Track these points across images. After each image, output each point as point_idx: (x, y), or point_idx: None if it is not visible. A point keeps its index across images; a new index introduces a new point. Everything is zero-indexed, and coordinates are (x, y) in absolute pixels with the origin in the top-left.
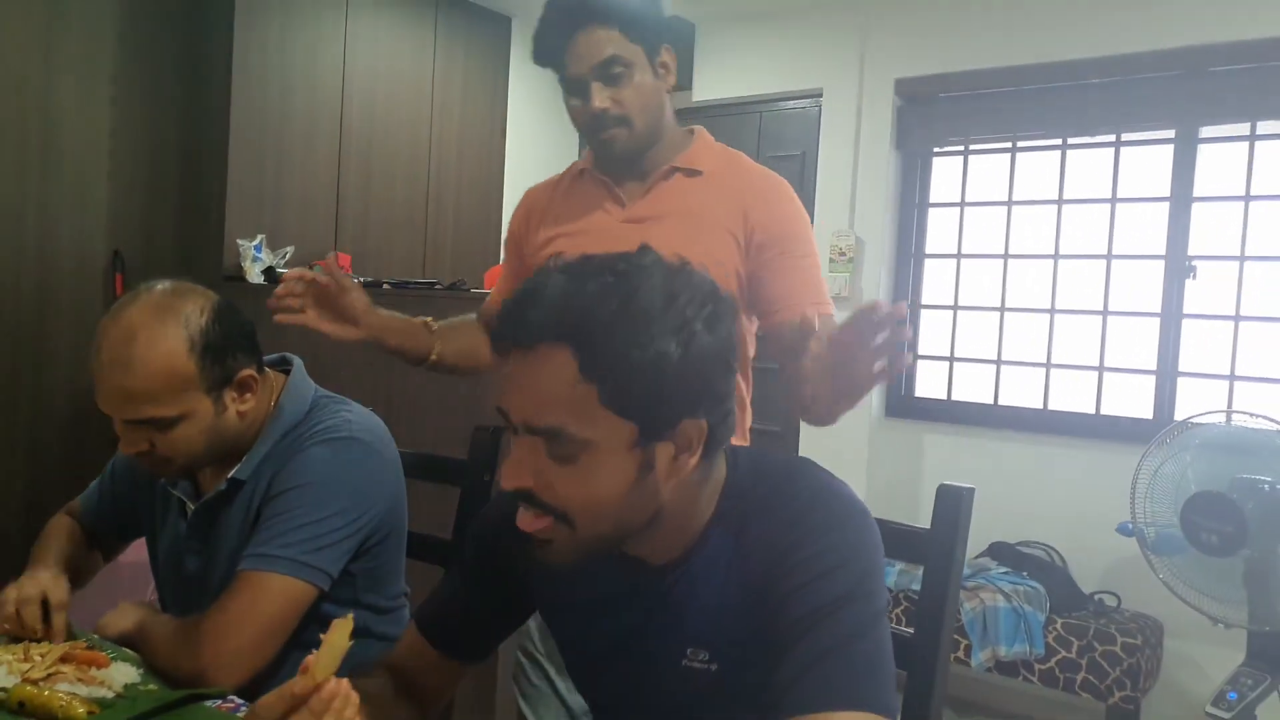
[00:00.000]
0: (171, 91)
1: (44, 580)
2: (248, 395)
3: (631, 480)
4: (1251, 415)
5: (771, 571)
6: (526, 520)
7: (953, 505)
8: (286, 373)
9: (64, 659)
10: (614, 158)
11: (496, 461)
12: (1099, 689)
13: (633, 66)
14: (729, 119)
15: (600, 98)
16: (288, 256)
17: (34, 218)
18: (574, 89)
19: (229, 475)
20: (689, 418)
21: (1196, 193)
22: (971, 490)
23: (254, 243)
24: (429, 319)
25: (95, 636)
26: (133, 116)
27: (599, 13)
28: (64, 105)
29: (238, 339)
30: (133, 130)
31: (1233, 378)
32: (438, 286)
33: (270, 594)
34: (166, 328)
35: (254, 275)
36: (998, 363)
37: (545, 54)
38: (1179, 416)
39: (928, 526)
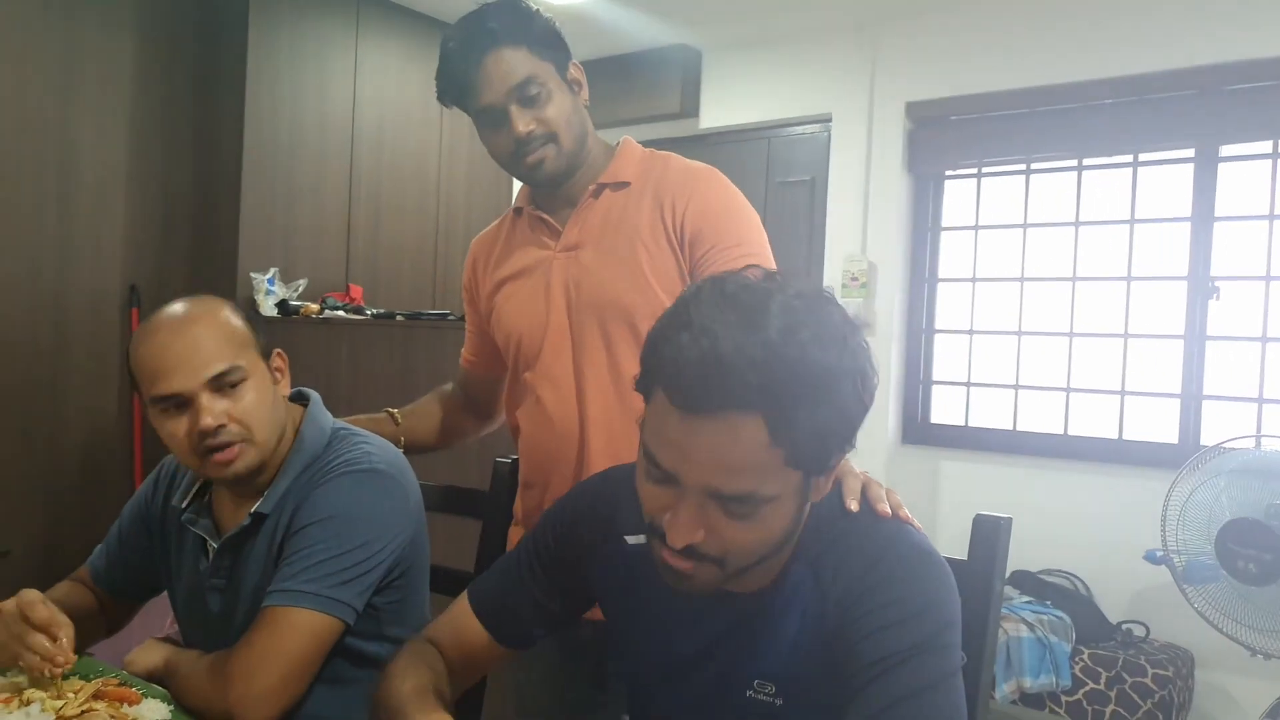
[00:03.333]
0: (185, 129)
1: (19, 605)
2: (280, 378)
3: (792, 519)
4: None
5: (848, 611)
6: (674, 560)
7: (990, 536)
8: (304, 406)
9: (96, 695)
10: (545, 182)
11: (514, 494)
12: None
13: (548, 84)
14: (737, 146)
15: (523, 120)
16: (300, 289)
17: (51, 256)
18: (491, 119)
19: (252, 510)
20: (840, 454)
21: (1219, 212)
22: (1009, 520)
23: (267, 276)
24: (392, 410)
25: (123, 673)
26: (148, 154)
27: (504, 35)
28: (81, 145)
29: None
30: (148, 167)
31: (1261, 400)
32: (450, 318)
33: (296, 630)
34: (214, 303)
35: (267, 308)
36: (1016, 387)
37: (453, 89)
38: (1205, 440)
39: (960, 557)
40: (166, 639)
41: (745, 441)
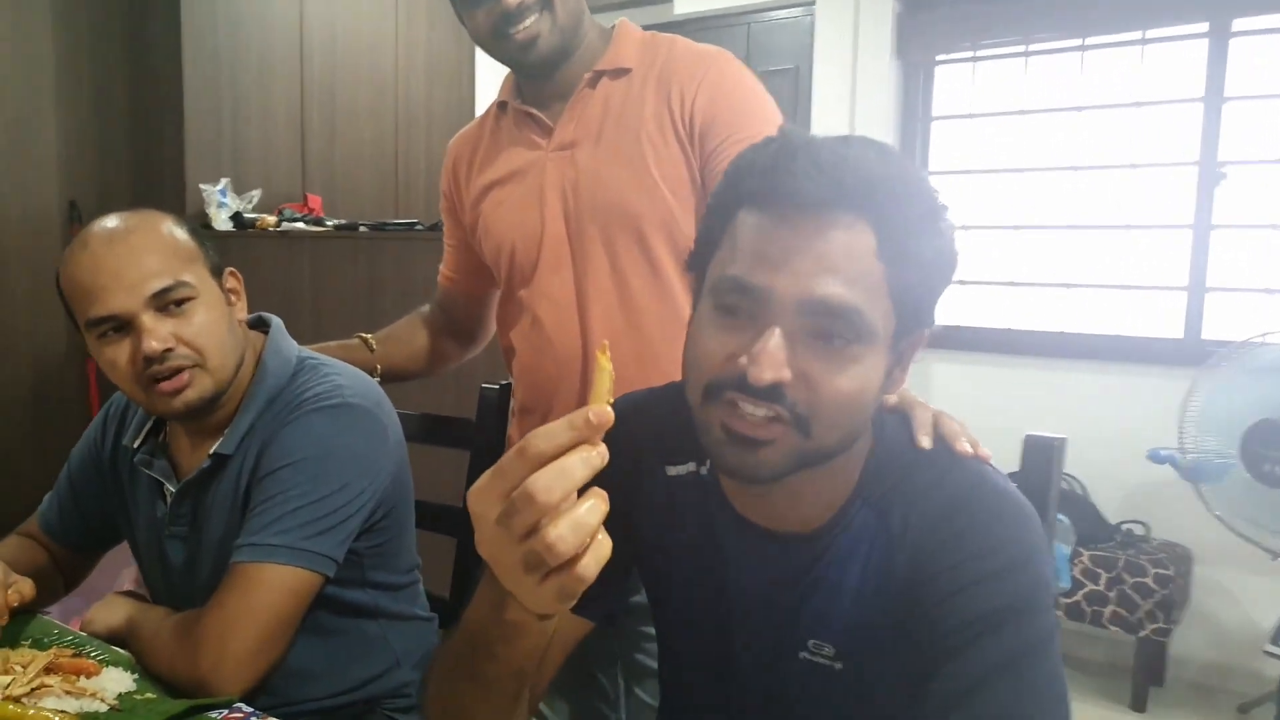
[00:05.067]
0: (117, 31)
1: None
2: (236, 300)
3: (879, 384)
4: None
5: (924, 565)
6: (749, 424)
7: (1043, 459)
8: (264, 333)
9: (48, 669)
10: (536, 64)
11: (506, 421)
12: (1129, 622)
13: None
14: (714, 32)
15: None
16: (255, 201)
17: None
18: None
19: (211, 450)
20: (924, 325)
21: (1227, 92)
22: (1063, 441)
23: (218, 187)
24: (365, 335)
25: (81, 634)
26: (78, 62)
27: None
28: (1, 54)
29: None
30: (79, 76)
31: (1270, 291)
32: (419, 227)
33: (269, 588)
34: (158, 217)
35: (221, 222)
36: (1011, 284)
37: None
38: (1207, 335)
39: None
40: (130, 593)
41: (853, 243)
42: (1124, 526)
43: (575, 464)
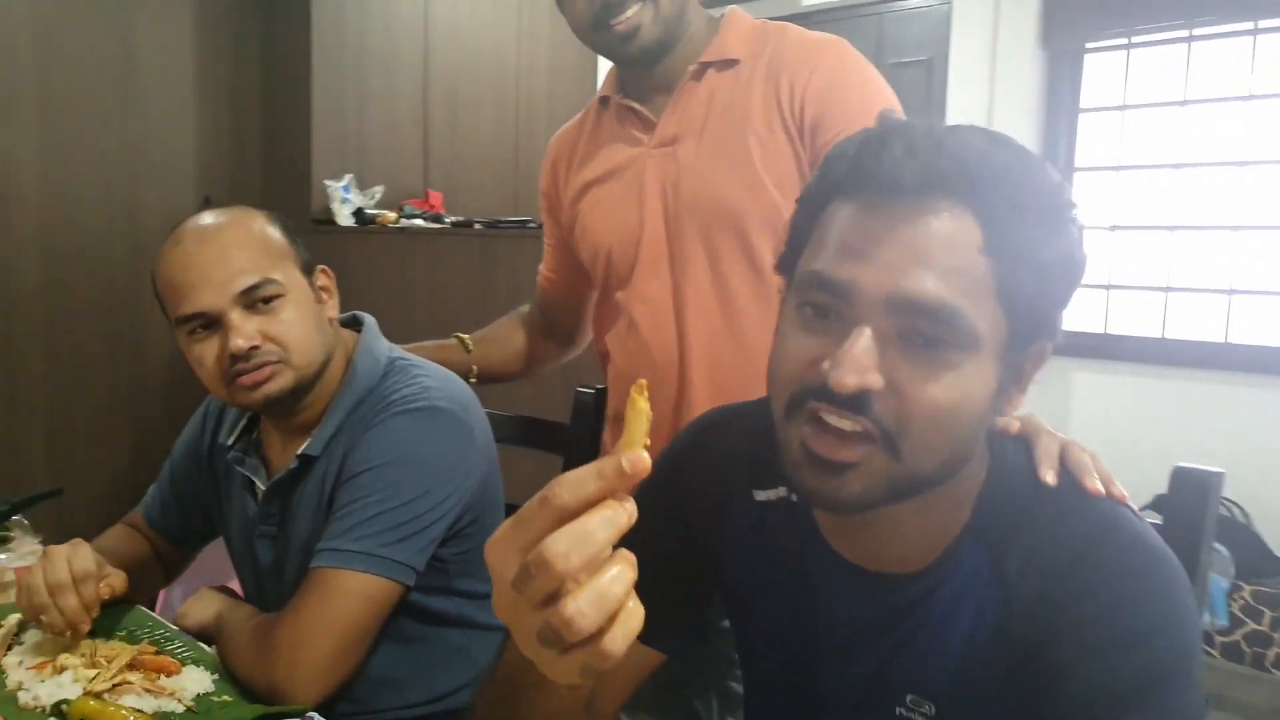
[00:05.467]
0: (252, 33)
1: (65, 555)
2: (327, 298)
3: (987, 403)
4: None
5: (1045, 621)
6: (831, 444)
7: (1197, 494)
8: (357, 332)
9: (131, 665)
10: (637, 55)
11: (601, 426)
12: None
13: None
14: (844, 23)
15: None
16: (377, 197)
17: (122, 169)
18: None
19: (299, 452)
20: (1045, 337)
21: None
22: (1220, 475)
23: (342, 184)
24: (463, 336)
25: (173, 628)
26: (216, 58)
27: None
28: (146, 49)
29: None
30: (216, 72)
31: None
32: (531, 225)
33: (347, 596)
34: (249, 214)
35: (343, 217)
36: (1166, 290)
37: None
38: None
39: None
40: (223, 588)
41: (951, 234)
42: None
43: (596, 527)
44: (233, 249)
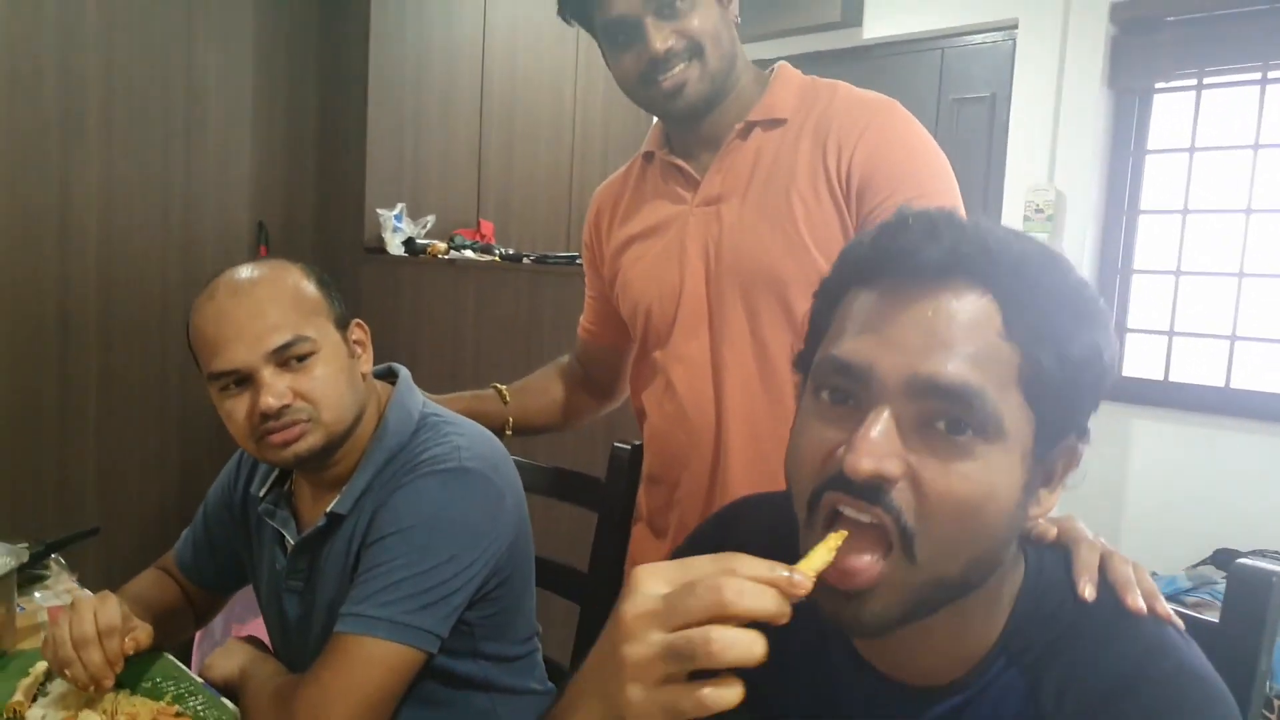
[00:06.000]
0: (309, 59)
1: (91, 608)
2: (361, 352)
3: (1015, 501)
4: None
5: None
6: (846, 573)
7: (1258, 593)
8: (392, 384)
9: None
10: (684, 113)
11: (636, 484)
12: None
13: None
14: (906, 58)
15: (660, 36)
16: (429, 226)
17: (179, 193)
18: (621, 35)
19: (327, 510)
20: (1075, 433)
21: None
22: None
23: (394, 212)
24: (500, 387)
25: (198, 680)
26: (274, 85)
27: None
28: (207, 75)
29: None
30: (274, 99)
31: None
32: (578, 261)
33: (369, 664)
34: (284, 268)
35: (394, 246)
36: (1232, 338)
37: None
38: None
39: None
40: (251, 638)
41: (975, 316)
42: None
43: (767, 592)
44: (266, 304)
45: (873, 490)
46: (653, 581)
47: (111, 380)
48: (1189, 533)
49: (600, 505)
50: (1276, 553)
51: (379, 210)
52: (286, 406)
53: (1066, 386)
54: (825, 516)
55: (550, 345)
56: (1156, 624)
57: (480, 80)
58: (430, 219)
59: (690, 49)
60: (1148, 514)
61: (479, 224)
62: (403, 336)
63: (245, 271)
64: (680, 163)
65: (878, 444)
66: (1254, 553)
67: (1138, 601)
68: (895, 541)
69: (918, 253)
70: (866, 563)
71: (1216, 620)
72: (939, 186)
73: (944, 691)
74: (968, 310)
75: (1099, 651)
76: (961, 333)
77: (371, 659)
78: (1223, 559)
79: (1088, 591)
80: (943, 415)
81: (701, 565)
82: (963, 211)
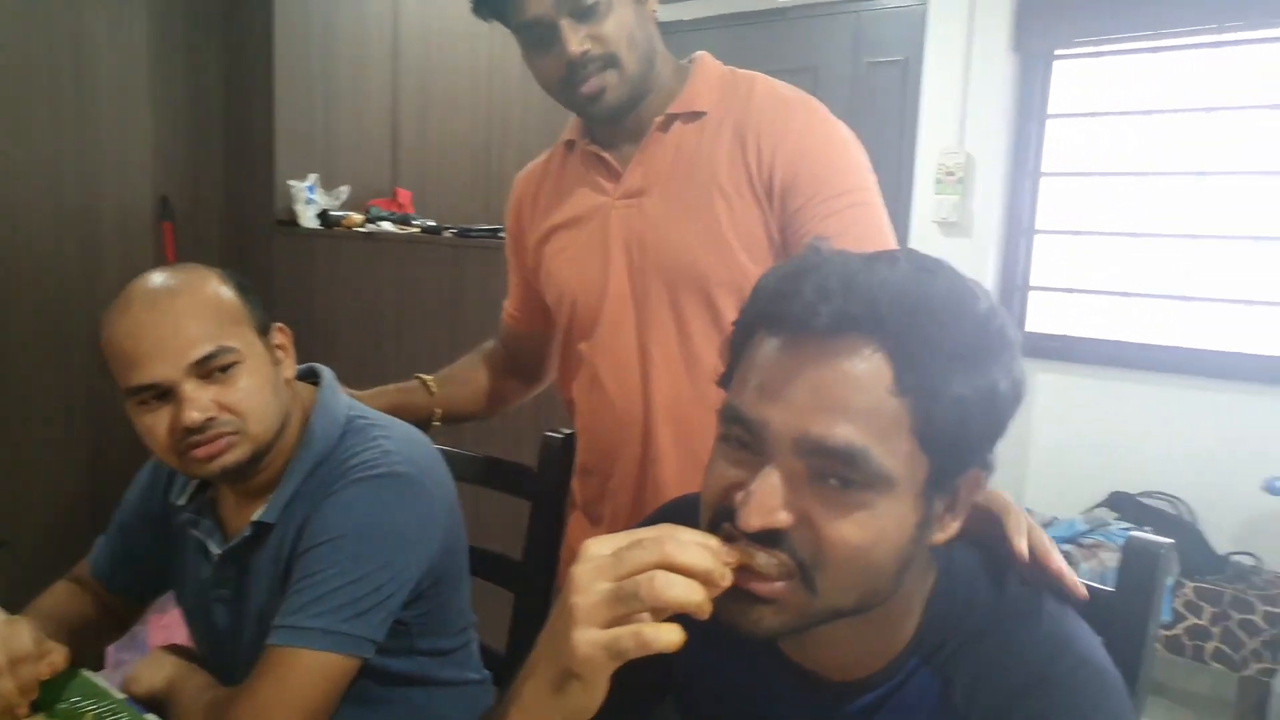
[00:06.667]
0: (210, 21)
1: (1, 635)
2: (284, 357)
3: (908, 539)
4: None
5: None
6: (750, 575)
7: (1147, 565)
8: (315, 385)
9: None
10: (606, 117)
11: (569, 473)
12: (1233, 660)
13: None
14: (820, 21)
15: (575, 38)
16: (343, 197)
17: (73, 168)
18: (537, 37)
19: (254, 519)
20: (976, 465)
21: None
22: (1171, 545)
23: (306, 184)
24: (425, 377)
25: (119, 696)
26: (171, 50)
27: None
28: (96, 40)
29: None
30: (172, 65)
31: None
32: (501, 235)
33: (305, 675)
34: (201, 275)
35: (307, 219)
36: (1126, 295)
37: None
38: None
39: (1109, 587)
40: (177, 646)
41: (862, 374)
42: (1233, 558)
43: (705, 551)
44: (185, 316)
45: (767, 538)
46: (600, 545)
47: (4, 377)
48: (1086, 478)
49: (533, 494)
50: (1165, 494)
51: (290, 182)
52: (211, 420)
53: (961, 428)
54: (723, 539)
55: (474, 322)
56: (1063, 619)
57: (393, 42)
58: (345, 190)
59: (605, 59)
60: (1049, 461)
61: (395, 193)
62: (319, 314)
63: (160, 280)
64: (602, 153)
65: (765, 501)
66: (1145, 494)
67: (1061, 574)
68: (795, 573)
69: (808, 313)
70: (766, 586)
71: (1112, 559)
72: (857, 183)
73: (862, 686)
74: (858, 369)
75: (1007, 651)
76: (851, 392)
77: (308, 670)
78: (1117, 501)
79: (1021, 545)
80: (831, 472)
81: (646, 530)
82: (880, 208)
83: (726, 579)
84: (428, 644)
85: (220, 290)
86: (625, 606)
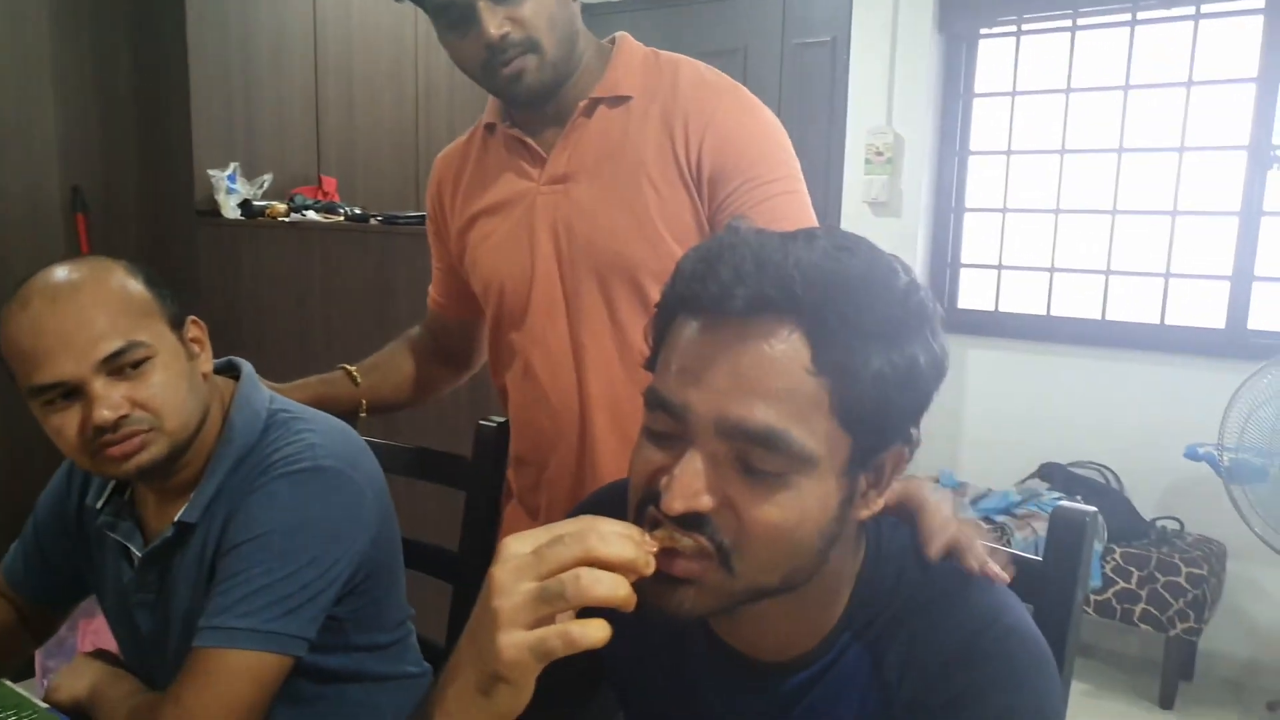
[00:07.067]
0: (120, 12)
1: None
2: (199, 351)
3: (831, 517)
4: None
5: None
6: (670, 559)
7: (1073, 533)
8: (235, 379)
9: None
10: (527, 101)
11: (504, 462)
12: (1160, 621)
13: None
14: (746, 2)
15: (494, 20)
16: (265, 186)
17: None
18: (453, 17)
19: (175, 519)
20: (900, 441)
21: None
22: (1095, 514)
23: (227, 173)
24: (350, 368)
25: (41, 705)
26: (78, 44)
27: None
28: None
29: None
30: (79, 59)
31: None
32: None
33: (233, 677)
34: (106, 266)
35: (229, 209)
36: (1051, 270)
37: None
38: (1253, 326)
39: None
40: (102, 652)
41: (779, 355)
42: (1159, 523)
43: (627, 541)
44: (91, 310)
45: (689, 520)
46: (519, 544)
47: None
48: (1018, 449)
49: (468, 484)
50: (1094, 464)
51: (210, 171)
52: (124, 417)
53: (882, 405)
54: (649, 523)
55: (404, 311)
56: (992, 592)
57: (313, 24)
58: (267, 178)
59: (525, 42)
60: (982, 434)
61: (320, 180)
62: (244, 306)
63: (63, 274)
64: (524, 138)
65: (688, 484)
66: (1074, 464)
67: (973, 563)
68: (713, 555)
69: (724, 296)
70: (684, 565)
71: (1044, 528)
72: (784, 170)
73: (794, 665)
74: (776, 349)
75: (936, 624)
76: (769, 374)
77: (236, 671)
78: (1048, 472)
79: (933, 549)
80: (751, 453)
81: (565, 524)
82: (804, 194)
83: (650, 566)
84: (364, 639)
85: (127, 282)
86: (550, 606)
